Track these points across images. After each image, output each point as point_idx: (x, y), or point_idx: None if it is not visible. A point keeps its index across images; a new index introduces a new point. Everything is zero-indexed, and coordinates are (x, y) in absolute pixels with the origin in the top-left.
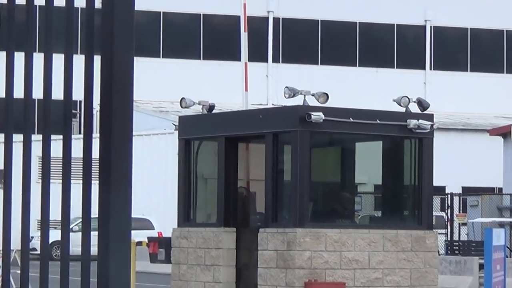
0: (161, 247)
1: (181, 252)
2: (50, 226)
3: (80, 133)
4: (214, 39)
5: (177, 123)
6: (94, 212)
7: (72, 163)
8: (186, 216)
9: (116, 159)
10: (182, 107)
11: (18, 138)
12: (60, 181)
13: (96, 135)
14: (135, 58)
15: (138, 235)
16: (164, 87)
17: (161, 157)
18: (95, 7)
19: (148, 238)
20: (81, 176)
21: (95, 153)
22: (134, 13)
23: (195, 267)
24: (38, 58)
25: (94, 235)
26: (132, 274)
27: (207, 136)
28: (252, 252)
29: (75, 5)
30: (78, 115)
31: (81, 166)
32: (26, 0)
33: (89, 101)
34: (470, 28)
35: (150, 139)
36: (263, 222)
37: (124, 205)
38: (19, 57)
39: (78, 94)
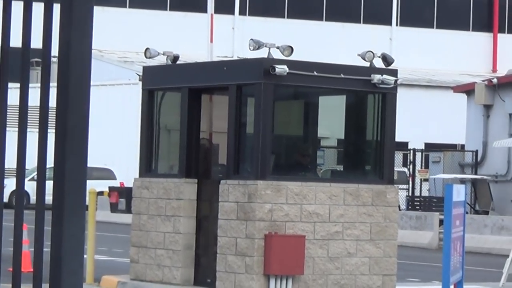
0: (122, 197)
1: (142, 202)
2: (7, 174)
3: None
4: None
5: (141, 74)
6: (50, 161)
7: (29, 112)
8: (148, 166)
9: (73, 109)
10: (146, 57)
11: None
12: (16, 129)
13: (54, 84)
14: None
15: (100, 185)
16: (130, 37)
17: (125, 108)
18: None
19: (109, 187)
20: (38, 125)
21: (53, 102)
22: None
23: (156, 218)
24: None
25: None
26: (93, 223)
27: (171, 87)
28: (213, 203)
29: None
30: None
31: (38, 114)
32: None
33: (48, 49)
34: None
35: (114, 89)
36: (225, 174)
37: (80, 154)
38: None
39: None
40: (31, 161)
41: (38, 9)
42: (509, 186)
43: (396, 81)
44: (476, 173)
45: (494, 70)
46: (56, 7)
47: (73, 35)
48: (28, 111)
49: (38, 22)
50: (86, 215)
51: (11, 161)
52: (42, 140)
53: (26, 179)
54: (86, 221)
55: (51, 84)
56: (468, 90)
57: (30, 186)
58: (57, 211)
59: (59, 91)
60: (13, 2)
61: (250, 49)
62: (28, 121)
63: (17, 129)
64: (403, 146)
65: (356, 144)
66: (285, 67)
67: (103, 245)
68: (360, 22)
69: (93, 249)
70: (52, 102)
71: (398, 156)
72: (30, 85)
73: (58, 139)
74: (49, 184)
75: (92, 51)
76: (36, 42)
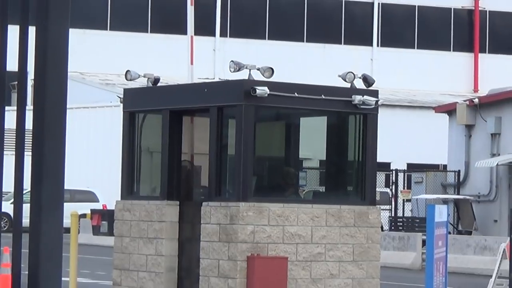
0: (104, 219)
1: (124, 224)
2: None
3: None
4: (161, 12)
5: (122, 96)
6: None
7: (5, 135)
8: (129, 189)
9: (49, 131)
10: (127, 79)
11: None
12: None
13: (30, 107)
14: (82, 30)
15: (82, 208)
16: (111, 60)
17: (107, 130)
18: None
19: (91, 210)
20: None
21: (29, 125)
22: None
23: (138, 240)
24: None
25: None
26: (75, 246)
27: (152, 109)
28: (195, 225)
29: None
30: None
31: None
32: None
33: (23, 72)
34: (418, 6)
35: (96, 112)
36: (207, 195)
37: (57, 176)
38: None
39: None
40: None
41: (13, 32)
42: (491, 206)
43: (377, 101)
44: (458, 193)
45: (476, 90)
46: (32, 30)
47: (48, 57)
48: (5, 134)
49: (14, 45)
50: (68, 238)
51: None
52: (19, 162)
53: (8, 202)
54: (68, 244)
55: (27, 107)
56: (449, 110)
57: (12, 209)
58: (34, 231)
59: (35, 114)
60: None
61: (230, 70)
62: (5, 144)
63: None
64: (385, 166)
65: (338, 165)
66: (266, 88)
67: (86, 268)
68: (341, 43)
69: (75, 272)
70: (29, 125)
71: (380, 177)
72: (7, 108)
73: (34, 161)
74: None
75: (74, 73)
76: (13, 65)
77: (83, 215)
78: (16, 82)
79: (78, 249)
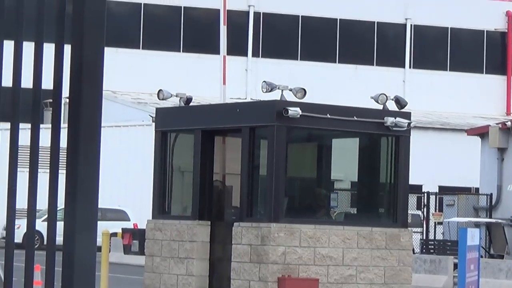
0: (135, 238)
1: (155, 244)
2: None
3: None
4: (194, 31)
5: (154, 115)
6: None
7: (40, 153)
8: (161, 208)
9: (84, 150)
10: (159, 99)
11: None
12: (27, 170)
13: (65, 125)
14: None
15: (113, 227)
16: (143, 79)
17: (138, 149)
18: None
19: (123, 229)
20: (49, 165)
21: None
22: (106, 2)
23: (169, 260)
24: (9, 46)
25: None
26: (106, 265)
27: (184, 128)
28: (226, 246)
29: None
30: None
31: (49, 155)
32: None
33: (58, 90)
34: (451, 28)
35: (128, 130)
36: (238, 216)
37: (91, 196)
38: None
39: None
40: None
41: (49, 50)
42: None
43: (409, 123)
44: (490, 217)
45: (508, 112)
46: (67, 48)
47: (84, 76)
48: (39, 152)
49: (50, 63)
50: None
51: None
52: (53, 180)
53: (40, 220)
54: (99, 263)
55: (62, 125)
56: (482, 133)
57: (44, 227)
58: (68, 251)
59: (70, 132)
60: (24, 43)
61: (263, 91)
62: (40, 162)
63: (28, 169)
64: (417, 189)
65: (370, 186)
66: (298, 109)
67: (116, 287)
68: (373, 65)
69: None
70: (63, 143)
71: (412, 199)
72: (42, 125)
73: (69, 180)
74: (61, 225)
75: (106, 92)
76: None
77: (114, 234)
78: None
79: (109, 268)
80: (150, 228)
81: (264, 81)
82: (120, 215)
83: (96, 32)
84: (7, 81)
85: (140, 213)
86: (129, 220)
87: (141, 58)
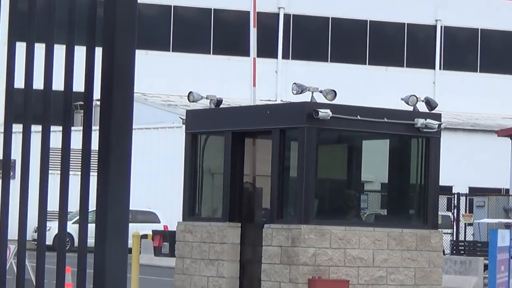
0: (166, 240)
1: (186, 246)
2: (51, 218)
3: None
4: (224, 33)
5: (184, 117)
6: (94, 204)
7: (71, 155)
8: (191, 210)
9: (115, 152)
10: (190, 101)
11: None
12: (59, 172)
13: (96, 127)
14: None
15: (143, 228)
16: (173, 81)
17: (168, 151)
18: None
19: (153, 231)
20: (80, 168)
21: (95, 146)
22: (137, 5)
23: (199, 262)
24: (40, 49)
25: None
26: (136, 266)
27: (214, 130)
28: (256, 247)
29: None
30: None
31: (80, 158)
32: None
33: (90, 93)
34: (481, 29)
35: (158, 132)
36: (268, 218)
37: (122, 198)
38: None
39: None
40: (75, 204)
41: (80, 53)
42: None
43: (439, 125)
44: None
45: None
46: (98, 51)
47: (115, 78)
48: (71, 154)
49: (81, 65)
50: (130, 258)
51: (54, 204)
52: (84, 183)
53: (70, 222)
54: (129, 265)
55: (93, 128)
56: None
57: (74, 229)
58: (99, 254)
59: (101, 134)
60: (55, 46)
61: (293, 93)
62: (71, 164)
63: (59, 172)
64: (447, 190)
65: (400, 188)
66: (328, 111)
67: None
68: (403, 66)
69: None
70: (95, 145)
71: (442, 200)
72: (73, 128)
73: (100, 182)
74: (92, 227)
75: (136, 94)
76: (79, 85)
77: (145, 236)
78: (80, 103)
79: (139, 270)
80: (180, 230)
81: (294, 83)
82: (151, 217)
83: (127, 34)
84: (39, 84)
85: (171, 215)
86: (159, 222)
87: (171, 61)
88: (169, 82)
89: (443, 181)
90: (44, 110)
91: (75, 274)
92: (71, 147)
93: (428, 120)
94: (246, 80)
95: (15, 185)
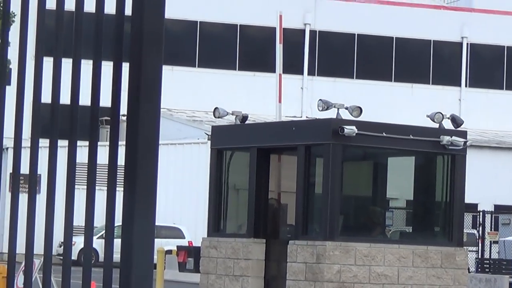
0: (190, 256)
1: (210, 262)
2: (76, 232)
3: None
4: (249, 50)
5: (210, 133)
6: (119, 219)
7: (97, 170)
8: (216, 226)
9: (142, 167)
10: (215, 117)
11: (44, 143)
12: (85, 187)
13: (122, 142)
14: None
15: (168, 244)
16: (199, 97)
17: (194, 166)
18: (125, 14)
19: (178, 247)
20: (106, 182)
21: (121, 161)
22: (164, 21)
23: (224, 277)
24: (67, 64)
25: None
26: (161, 282)
27: (239, 146)
28: (281, 263)
29: (105, 11)
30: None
31: (107, 172)
32: (56, 5)
33: (116, 108)
34: (507, 46)
35: (183, 148)
36: (293, 234)
37: (148, 213)
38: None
39: (106, 101)
40: (100, 219)
41: (107, 68)
42: None
43: (465, 142)
44: None
45: None
46: (125, 66)
47: (142, 94)
48: (97, 169)
49: (108, 81)
50: (154, 274)
51: (79, 219)
52: (110, 198)
53: (95, 237)
54: (154, 280)
55: (119, 143)
56: None
57: (99, 244)
58: (125, 269)
59: (127, 149)
60: (82, 61)
61: (319, 109)
62: (97, 179)
63: (84, 187)
64: (472, 207)
65: (425, 205)
66: (354, 127)
67: None
68: (429, 83)
69: None
70: (121, 160)
71: (468, 218)
72: (99, 143)
73: (126, 197)
74: (118, 242)
75: (162, 110)
76: (105, 100)
77: (169, 252)
78: (105, 118)
79: (164, 285)
80: (205, 246)
81: (320, 100)
82: (175, 233)
83: (154, 50)
84: (65, 99)
85: (195, 230)
86: (184, 237)
87: (197, 76)
88: (194, 98)
89: (468, 199)
90: (70, 125)
91: None
92: (97, 162)
93: (454, 138)
94: (272, 96)
95: (40, 200)
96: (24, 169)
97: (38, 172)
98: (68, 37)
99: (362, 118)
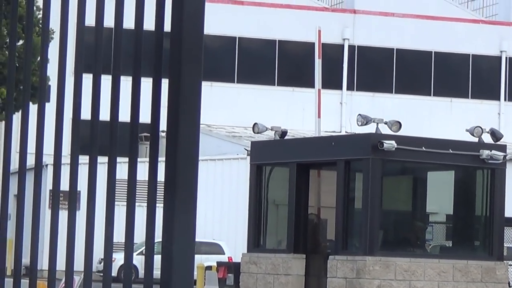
0: (230, 272)
1: (250, 277)
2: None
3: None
4: (288, 65)
5: (249, 148)
6: (159, 235)
7: (137, 186)
8: (256, 241)
9: (181, 183)
10: (254, 132)
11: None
12: (125, 203)
13: (162, 158)
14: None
15: (208, 260)
16: (238, 112)
17: (233, 182)
18: (164, 30)
19: (218, 262)
20: (146, 199)
21: (161, 177)
22: (203, 37)
23: None
24: (106, 80)
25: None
26: None
27: (279, 162)
28: (321, 279)
29: (144, 28)
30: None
31: (146, 189)
32: (96, 21)
33: (156, 124)
34: None
35: (223, 164)
36: (333, 249)
37: (188, 229)
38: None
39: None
40: (140, 235)
41: (147, 85)
42: None
43: (505, 156)
44: None
45: None
46: (165, 82)
47: (181, 110)
48: (137, 185)
49: (147, 97)
50: None
51: (119, 235)
52: (150, 214)
53: (135, 253)
54: None
55: (159, 159)
56: None
57: (139, 260)
58: (165, 285)
59: (167, 165)
60: (122, 77)
61: (358, 124)
62: (137, 195)
63: (124, 203)
64: None
65: (465, 219)
66: (393, 142)
67: None
68: (468, 97)
69: None
70: (160, 176)
71: (508, 232)
72: (139, 159)
73: (166, 214)
74: (157, 258)
75: (201, 126)
76: (145, 116)
77: (209, 267)
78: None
79: None
80: (245, 262)
81: (359, 114)
82: (215, 249)
83: (193, 66)
84: (105, 115)
85: (235, 246)
86: (224, 253)
87: (236, 92)
88: (233, 114)
89: (508, 213)
90: (110, 141)
91: None
92: (137, 178)
93: (493, 152)
94: (311, 111)
95: (80, 217)
96: (64, 185)
97: (78, 189)
98: (108, 54)
99: (401, 132)
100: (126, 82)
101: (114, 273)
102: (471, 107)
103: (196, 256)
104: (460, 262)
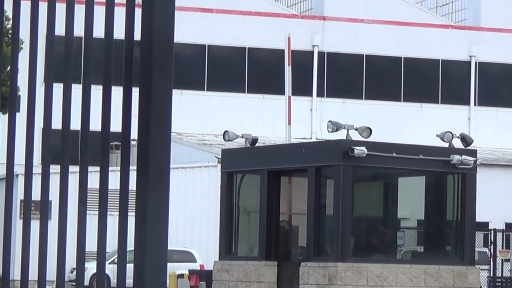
0: (202, 280)
1: (222, 285)
2: (88, 258)
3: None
4: (258, 72)
5: (220, 156)
6: (131, 244)
7: (109, 195)
8: (227, 249)
9: (153, 192)
10: (225, 140)
11: (55, 169)
12: (96, 212)
13: (133, 167)
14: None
15: (180, 268)
16: (208, 120)
17: (204, 190)
18: (134, 39)
19: (189, 270)
20: (118, 208)
21: (132, 185)
22: (173, 45)
23: None
24: (77, 89)
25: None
26: None
27: (250, 169)
28: (293, 286)
29: (114, 37)
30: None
31: (118, 198)
32: (65, 31)
33: (127, 133)
34: None
35: (194, 172)
36: (305, 256)
37: (161, 237)
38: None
39: (117, 126)
40: (111, 244)
41: (117, 93)
42: None
43: (475, 161)
44: None
45: None
46: (135, 91)
47: (152, 118)
48: (108, 194)
49: (118, 106)
50: None
51: (91, 244)
52: (122, 223)
53: (107, 262)
54: None
55: (130, 168)
56: None
57: (111, 269)
58: None
59: (138, 174)
60: (92, 86)
61: (328, 131)
62: (108, 204)
63: (97, 212)
64: (484, 226)
65: (436, 224)
66: (363, 148)
67: None
68: (438, 103)
69: None
70: (132, 185)
71: (479, 237)
72: (110, 168)
73: (138, 222)
74: (130, 267)
75: (171, 134)
76: (116, 125)
77: (181, 275)
78: (115, 143)
79: None
80: (217, 269)
81: (330, 121)
82: (187, 257)
83: (164, 74)
84: (76, 124)
85: (207, 254)
86: (195, 261)
87: (206, 100)
88: (204, 122)
89: (479, 217)
90: (81, 150)
91: None
92: (109, 187)
93: (464, 157)
94: (281, 118)
95: (52, 226)
96: (35, 195)
97: (49, 198)
98: (78, 63)
99: (371, 138)
100: (96, 91)
101: (86, 282)
102: (441, 112)
103: (168, 264)
104: (432, 267)
